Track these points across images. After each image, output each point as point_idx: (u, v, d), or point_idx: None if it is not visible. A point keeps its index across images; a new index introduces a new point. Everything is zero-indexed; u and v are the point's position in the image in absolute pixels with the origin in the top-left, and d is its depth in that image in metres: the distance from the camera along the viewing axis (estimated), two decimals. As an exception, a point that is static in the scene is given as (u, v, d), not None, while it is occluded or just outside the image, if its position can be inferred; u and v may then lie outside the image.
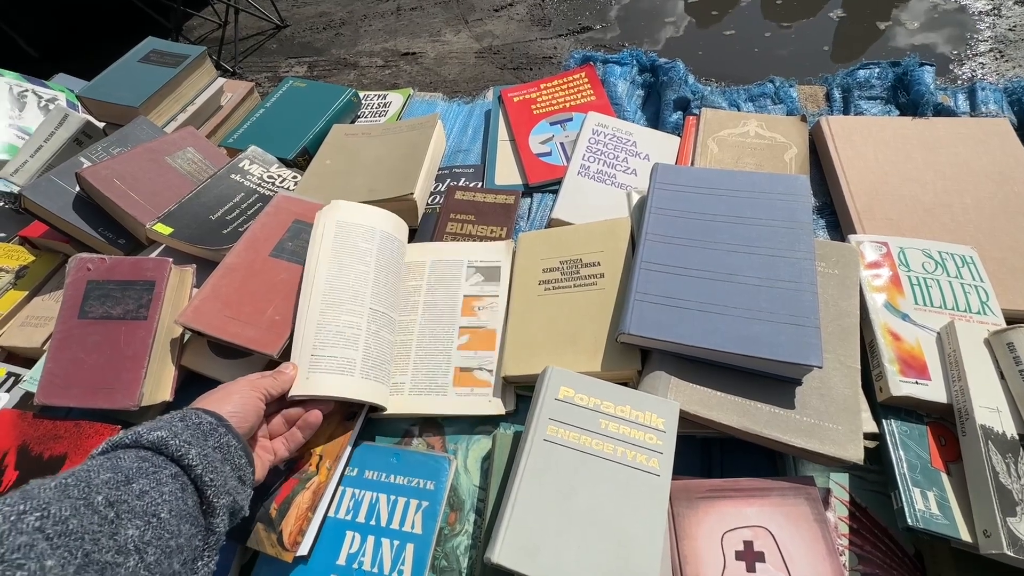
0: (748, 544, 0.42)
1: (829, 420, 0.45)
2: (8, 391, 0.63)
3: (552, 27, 2.47)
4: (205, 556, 0.37)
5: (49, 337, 0.66)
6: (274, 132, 0.87)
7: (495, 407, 0.54)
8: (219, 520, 0.38)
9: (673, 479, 0.44)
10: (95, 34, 2.68)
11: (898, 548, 0.44)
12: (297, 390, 0.51)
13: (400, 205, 0.71)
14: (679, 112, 0.80)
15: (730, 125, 0.74)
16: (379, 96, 0.99)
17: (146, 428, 0.39)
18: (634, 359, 0.52)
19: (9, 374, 0.65)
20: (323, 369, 0.52)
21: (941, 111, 0.72)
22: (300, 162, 0.83)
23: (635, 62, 0.88)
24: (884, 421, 0.47)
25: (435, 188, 0.80)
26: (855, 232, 0.61)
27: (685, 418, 0.47)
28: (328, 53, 2.60)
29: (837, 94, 0.79)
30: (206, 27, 2.85)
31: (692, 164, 0.72)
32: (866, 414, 0.47)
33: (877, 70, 0.79)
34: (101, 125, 0.90)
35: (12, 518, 0.27)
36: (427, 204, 0.77)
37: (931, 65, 0.76)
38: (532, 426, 0.45)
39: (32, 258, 0.75)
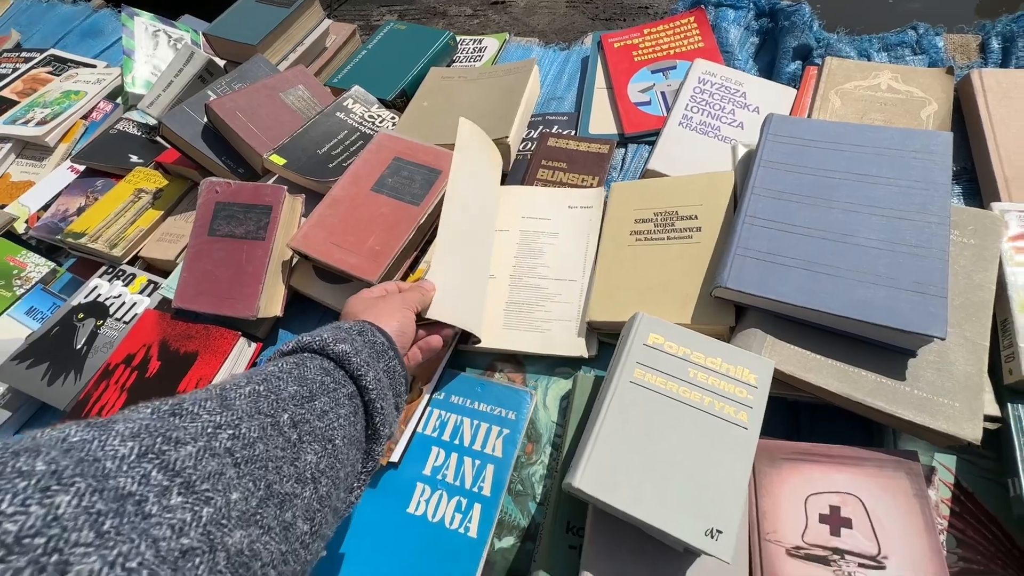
0: (835, 509, 0.41)
1: (945, 396, 0.42)
2: (149, 296, 0.73)
3: (651, -26, 2.30)
4: (362, 477, 0.37)
5: (181, 251, 0.75)
6: (375, 73, 0.89)
7: (579, 349, 0.55)
8: (379, 448, 0.38)
9: (759, 441, 0.43)
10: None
11: (1006, 538, 0.41)
12: (431, 312, 0.51)
13: (494, 149, 0.71)
14: (798, 62, 0.73)
15: (858, 76, 0.67)
16: (475, 41, 0.99)
17: (331, 336, 0.38)
18: (728, 314, 0.50)
19: (149, 281, 0.74)
20: (452, 296, 0.54)
21: None
22: (398, 103, 0.85)
23: (752, 5, 0.80)
24: (1010, 405, 0.43)
25: (527, 135, 0.79)
26: (999, 200, 0.54)
27: (779, 379, 0.46)
28: (418, 1, 2.59)
29: (996, 44, 0.68)
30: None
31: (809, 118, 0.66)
32: (988, 396, 0.43)
33: (1052, 16, 0.67)
34: (222, 63, 0.97)
35: (209, 431, 0.27)
36: (518, 149, 0.77)
37: None
38: (619, 368, 0.45)
39: (166, 182, 0.84)
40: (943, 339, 0.41)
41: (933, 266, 0.44)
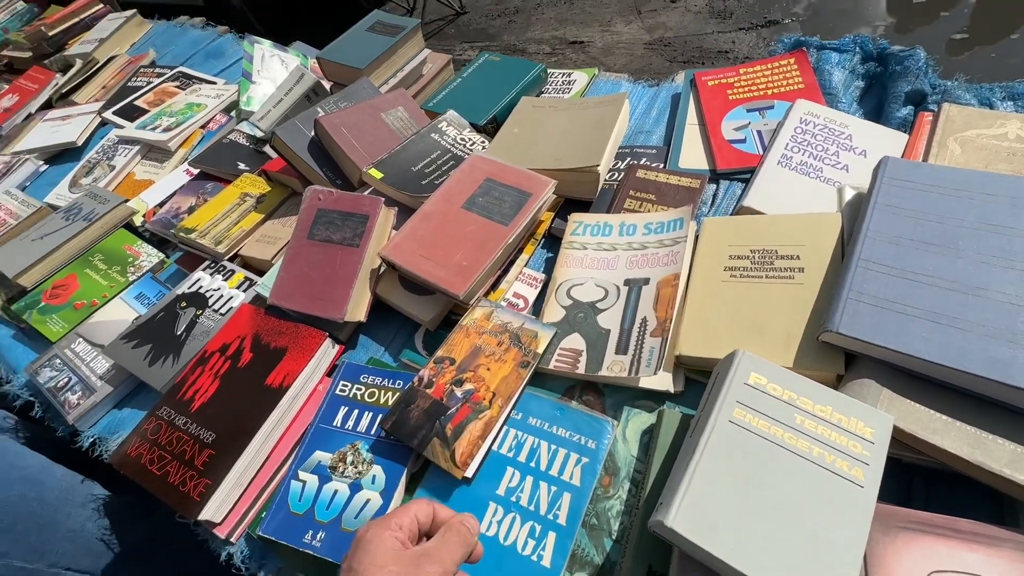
0: (965, 592, 0.37)
1: (1104, 477, 0.37)
2: (244, 291, 0.77)
3: (733, 20, 2.32)
4: None
5: (277, 252, 0.79)
6: (468, 99, 0.93)
7: (664, 383, 0.53)
8: None
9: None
10: (310, 13, 3.12)
11: None
12: None
13: (583, 176, 0.72)
14: (910, 107, 0.70)
15: (981, 125, 0.63)
16: (564, 74, 1.01)
17: None
18: (836, 362, 0.47)
19: (246, 278, 0.79)
20: None
21: None
22: (489, 129, 0.89)
23: (858, 49, 0.78)
24: None
25: (614, 165, 0.80)
26: None
27: (896, 439, 0.42)
28: (500, 39, 2.72)
29: None
30: (396, 12, 3.16)
31: (923, 165, 0.63)
32: None
33: None
34: (328, 85, 1.04)
35: None
36: (605, 179, 0.78)
37: None
38: (716, 406, 0.43)
39: (268, 188, 0.90)
40: (1104, 412, 0.36)
41: (1087, 329, 0.40)
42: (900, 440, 0.42)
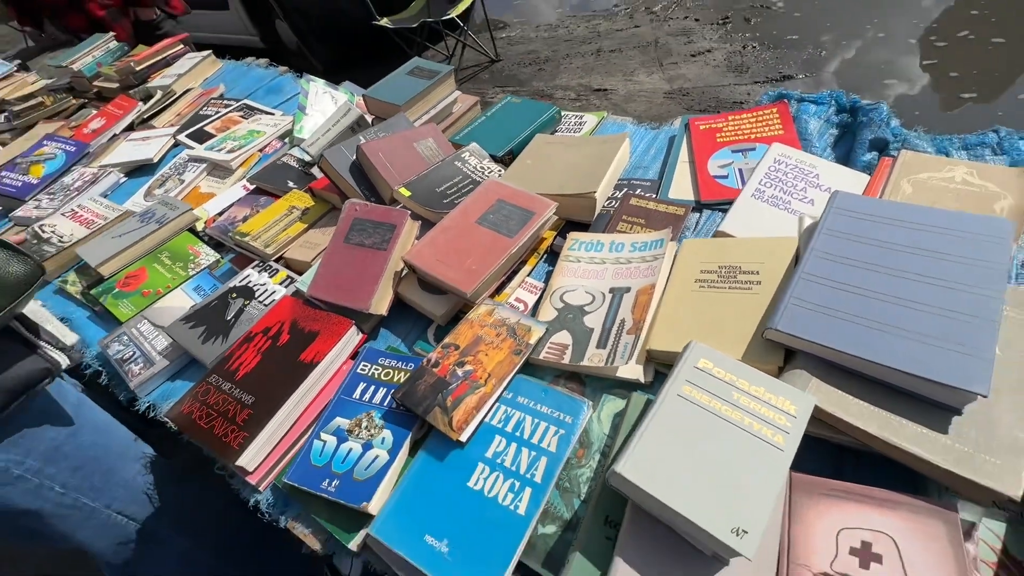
0: (866, 544, 0.43)
1: (987, 453, 0.43)
2: (286, 287, 0.90)
3: (749, 74, 2.46)
4: None
5: (316, 256, 0.92)
6: (490, 134, 1.07)
7: (636, 373, 0.62)
8: None
9: (798, 475, 0.47)
10: (361, 57, 3.42)
11: (1057, 614, 0.41)
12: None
13: (582, 201, 0.83)
14: (874, 152, 0.79)
15: (933, 168, 0.72)
16: (576, 116, 1.14)
17: None
18: (777, 355, 0.55)
19: (288, 276, 0.91)
20: None
21: None
22: (505, 159, 1.01)
23: (833, 102, 0.89)
24: (1062, 476, 0.43)
25: (612, 194, 0.91)
26: (1071, 291, 0.55)
27: (821, 419, 0.49)
28: (529, 85, 2.93)
29: (1082, 151, 0.70)
30: (437, 57, 3.43)
31: (879, 201, 0.71)
32: (1039, 464, 0.44)
33: None
34: (369, 119, 1.20)
35: None
36: (603, 205, 0.88)
37: None
38: (668, 384, 0.52)
39: (313, 203, 1.04)
40: (985, 396, 0.43)
41: (982, 332, 0.47)
42: (825, 421, 0.49)
